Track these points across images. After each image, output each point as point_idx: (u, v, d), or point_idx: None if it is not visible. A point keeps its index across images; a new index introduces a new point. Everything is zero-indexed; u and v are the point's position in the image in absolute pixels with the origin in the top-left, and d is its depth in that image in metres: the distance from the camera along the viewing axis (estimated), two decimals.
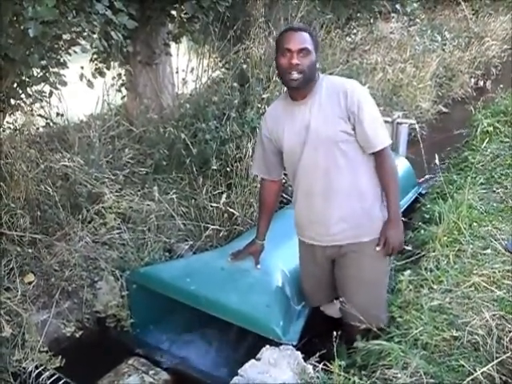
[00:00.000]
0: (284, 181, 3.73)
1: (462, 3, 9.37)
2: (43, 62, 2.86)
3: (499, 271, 2.57)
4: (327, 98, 2.15)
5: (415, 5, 8.18)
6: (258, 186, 2.58)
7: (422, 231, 3.32)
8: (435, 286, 2.55)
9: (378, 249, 2.21)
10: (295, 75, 2.09)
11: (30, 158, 3.29)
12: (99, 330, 2.86)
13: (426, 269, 2.76)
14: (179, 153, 3.84)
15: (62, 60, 3.02)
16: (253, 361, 2.08)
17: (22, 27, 2.47)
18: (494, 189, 3.65)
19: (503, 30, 9.41)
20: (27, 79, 2.91)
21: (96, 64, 3.96)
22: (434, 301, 2.40)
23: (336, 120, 2.13)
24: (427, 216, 3.55)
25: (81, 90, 3.48)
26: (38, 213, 3.06)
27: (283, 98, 2.32)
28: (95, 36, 3.16)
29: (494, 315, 2.19)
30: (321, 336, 2.43)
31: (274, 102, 2.48)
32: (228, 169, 3.77)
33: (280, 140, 2.27)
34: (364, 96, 2.17)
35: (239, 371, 2.03)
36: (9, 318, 2.51)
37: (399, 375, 1.95)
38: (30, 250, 2.88)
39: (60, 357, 2.43)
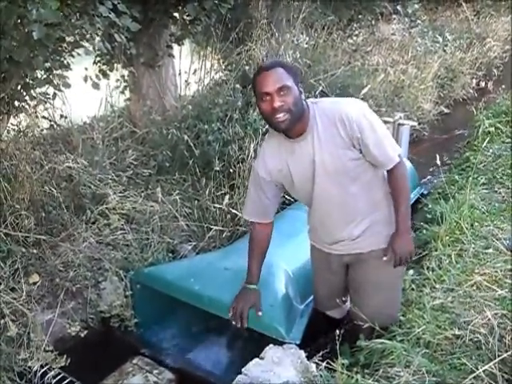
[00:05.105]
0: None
1: (464, 4, 9.37)
2: (47, 64, 2.88)
3: (501, 270, 2.59)
4: (325, 131, 2.03)
5: (416, 6, 8.21)
6: None
7: (424, 231, 3.33)
8: (437, 286, 2.57)
9: (384, 259, 2.17)
10: (282, 116, 1.94)
11: (35, 160, 3.30)
12: (103, 329, 2.88)
13: (428, 268, 2.78)
14: (182, 154, 3.86)
15: (65, 62, 3.04)
16: (256, 359, 2.09)
17: (26, 30, 2.49)
18: (496, 189, 3.67)
19: (505, 30, 9.41)
20: (31, 81, 2.93)
21: (99, 66, 3.99)
22: (437, 300, 2.41)
23: (341, 152, 2.03)
24: (429, 216, 3.57)
25: (84, 92, 3.50)
26: (43, 214, 3.07)
27: (275, 136, 2.13)
28: (98, 38, 3.18)
29: (495, 314, 2.20)
30: (324, 335, 2.45)
31: (264, 142, 2.25)
32: (231, 170, 3.78)
33: (286, 178, 2.16)
34: (362, 116, 2.01)
35: (243, 370, 2.04)
36: (14, 317, 2.53)
37: (402, 373, 1.96)
38: (34, 251, 2.89)
39: (65, 356, 2.45)
